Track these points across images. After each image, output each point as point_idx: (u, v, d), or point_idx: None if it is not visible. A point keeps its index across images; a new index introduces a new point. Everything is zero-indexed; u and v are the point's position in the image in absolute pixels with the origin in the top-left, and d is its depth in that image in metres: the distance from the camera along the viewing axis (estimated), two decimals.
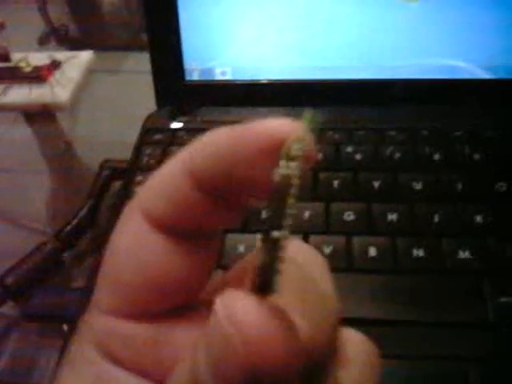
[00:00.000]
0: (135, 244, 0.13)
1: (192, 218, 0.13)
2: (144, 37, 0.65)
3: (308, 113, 0.12)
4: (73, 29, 0.68)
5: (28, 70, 0.45)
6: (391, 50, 0.43)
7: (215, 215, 0.13)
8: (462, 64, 0.43)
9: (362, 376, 0.13)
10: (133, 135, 0.44)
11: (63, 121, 0.51)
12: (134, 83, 0.58)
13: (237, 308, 0.10)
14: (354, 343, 0.14)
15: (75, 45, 0.67)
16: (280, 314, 0.11)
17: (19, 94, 0.44)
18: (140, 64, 0.59)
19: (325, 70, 0.44)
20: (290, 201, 0.11)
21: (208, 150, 0.13)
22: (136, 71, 0.61)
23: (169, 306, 0.14)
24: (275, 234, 0.11)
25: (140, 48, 0.64)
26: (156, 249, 0.13)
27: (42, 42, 0.70)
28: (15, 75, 0.45)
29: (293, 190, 0.11)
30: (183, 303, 0.14)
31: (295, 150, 0.11)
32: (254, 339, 0.10)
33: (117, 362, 0.13)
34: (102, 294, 0.14)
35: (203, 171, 0.13)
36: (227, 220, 0.14)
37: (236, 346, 0.10)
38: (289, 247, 0.11)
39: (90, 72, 0.50)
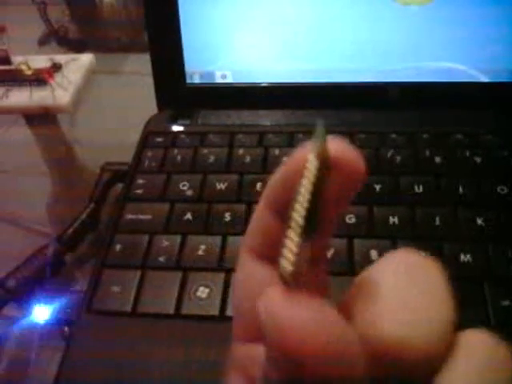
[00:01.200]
0: (244, 276, 0.16)
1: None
2: (144, 38, 0.65)
3: (319, 126, 0.13)
4: (73, 30, 0.69)
5: (29, 72, 0.45)
6: (390, 53, 0.43)
7: None
8: (461, 67, 0.43)
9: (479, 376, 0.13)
10: (133, 138, 0.44)
11: (64, 123, 0.51)
12: (134, 85, 0.58)
13: (268, 299, 0.12)
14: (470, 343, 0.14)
15: (75, 46, 0.67)
16: (308, 302, 0.12)
17: (20, 97, 0.44)
18: (140, 66, 0.59)
19: (325, 73, 0.44)
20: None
21: (274, 180, 0.15)
22: (136, 73, 0.61)
23: None
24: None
25: (140, 50, 0.64)
26: (260, 276, 0.15)
27: (42, 44, 0.70)
28: (16, 78, 0.45)
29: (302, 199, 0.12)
30: None
31: (308, 167, 0.13)
32: (282, 326, 0.12)
33: None
34: (234, 325, 0.16)
35: (276, 199, 0.15)
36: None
37: (270, 332, 0.12)
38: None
39: (91, 74, 0.50)
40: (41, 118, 0.47)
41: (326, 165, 0.13)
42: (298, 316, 0.12)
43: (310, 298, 0.12)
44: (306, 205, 0.12)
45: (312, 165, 0.13)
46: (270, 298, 0.12)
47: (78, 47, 0.67)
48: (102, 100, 0.57)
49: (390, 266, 0.14)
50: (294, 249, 0.12)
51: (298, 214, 0.12)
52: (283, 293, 0.12)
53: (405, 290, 0.13)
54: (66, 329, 0.37)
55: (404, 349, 0.12)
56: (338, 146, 0.13)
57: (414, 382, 0.13)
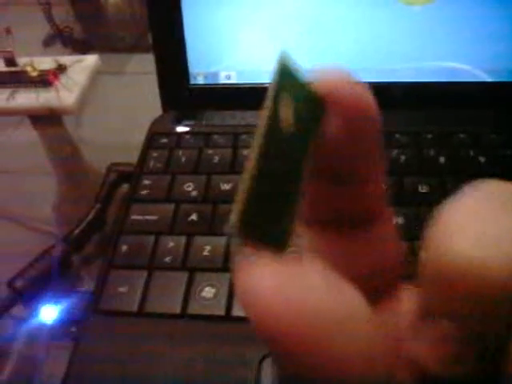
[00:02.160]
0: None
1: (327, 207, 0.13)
2: (148, 38, 0.65)
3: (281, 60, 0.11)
4: (77, 31, 0.69)
5: (34, 74, 0.45)
6: (393, 52, 0.43)
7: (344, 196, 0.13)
8: (464, 67, 0.43)
9: None
10: (139, 138, 0.45)
11: (69, 124, 0.51)
12: (139, 85, 0.58)
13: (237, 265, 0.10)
14: None
15: (80, 47, 0.67)
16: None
17: (26, 99, 0.44)
18: (145, 65, 0.59)
19: None
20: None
21: None
22: (141, 72, 0.61)
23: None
24: None
25: (145, 49, 0.64)
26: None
27: (47, 44, 0.70)
28: (21, 79, 0.45)
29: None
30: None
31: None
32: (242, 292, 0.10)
33: None
34: None
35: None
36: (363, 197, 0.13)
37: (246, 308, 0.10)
38: None
39: (95, 74, 0.51)
40: (46, 119, 0.47)
41: (311, 107, 0.11)
42: (261, 282, 0.10)
43: (293, 261, 0.10)
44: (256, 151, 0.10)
45: (266, 112, 0.11)
46: (238, 265, 0.10)
47: (82, 47, 0.67)
48: (107, 100, 0.57)
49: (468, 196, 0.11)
50: (241, 200, 0.10)
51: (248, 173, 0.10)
52: (255, 258, 0.10)
53: (485, 211, 0.10)
54: (74, 329, 0.37)
55: (486, 270, 0.09)
56: (327, 80, 0.11)
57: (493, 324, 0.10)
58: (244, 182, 0.10)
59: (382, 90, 0.43)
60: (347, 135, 0.12)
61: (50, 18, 0.68)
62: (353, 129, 0.12)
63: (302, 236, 0.13)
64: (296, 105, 0.11)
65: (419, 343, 0.11)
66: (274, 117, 0.11)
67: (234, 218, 0.10)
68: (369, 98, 0.12)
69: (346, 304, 0.10)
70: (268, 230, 0.11)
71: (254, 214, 0.10)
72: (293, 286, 0.10)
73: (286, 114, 0.11)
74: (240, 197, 0.10)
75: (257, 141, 0.10)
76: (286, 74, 0.11)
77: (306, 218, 0.13)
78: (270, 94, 0.11)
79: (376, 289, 0.13)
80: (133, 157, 0.43)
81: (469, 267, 0.09)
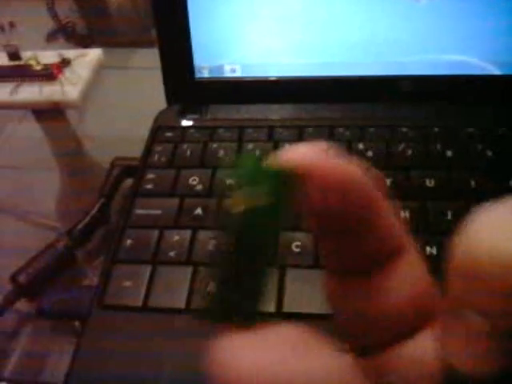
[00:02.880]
0: None
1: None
2: (152, 33, 0.65)
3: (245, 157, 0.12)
4: (80, 25, 0.68)
5: (38, 68, 0.45)
6: (401, 46, 0.42)
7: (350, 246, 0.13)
8: (472, 60, 0.42)
9: None
10: (142, 132, 0.44)
11: (72, 119, 0.51)
12: (142, 80, 0.58)
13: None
14: None
15: (83, 42, 0.67)
16: None
17: (30, 92, 0.44)
18: (148, 60, 0.59)
19: (335, 66, 0.43)
20: None
21: None
22: (144, 67, 0.61)
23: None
24: None
25: (148, 44, 0.64)
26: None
27: (50, 39, 0.70)
28: (25, 73, 0.45)
29: None
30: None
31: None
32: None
33: None
34: None
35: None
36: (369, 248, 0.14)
37: None
38: None
39: (99, 69, 0.50)
40: (49, 114, 0.47)
41: (275, 187, 0.12)
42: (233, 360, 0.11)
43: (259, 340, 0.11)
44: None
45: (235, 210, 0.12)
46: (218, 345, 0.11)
47: (85, 42, 0.67)
48: (110, 95, 0.57)
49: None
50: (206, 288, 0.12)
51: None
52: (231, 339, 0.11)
53: None
54: (77, 323, 0.37)
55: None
56: (292, 158, 0.12)
57: None
58: (209, 271, 0.12)
59: (388, 84, 0.43)
60: (334, 203, 0.12)
61: (53, 13, 0.68)
62: (336, 197, 0.12)
63: (329, 287, 0.14)
64: (257, 189, 0.12)
65: (449, 340, 0.11)
66: (232, 209, 0.12)
67: (201, 304, 0.12)
68: (345, 167, 0.12)
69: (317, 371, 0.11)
70: (235, 310, 0.12)
71: (220, 298, 0.12)
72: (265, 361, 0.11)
73: (246, 202, 0.12)
74: (205, 285, 0.12)
75: (217, 234, 0.12)
76: (243, 170, 0.12)
77: (329, 270, 0.14)
78: (224, 189, 0.12)
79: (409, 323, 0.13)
80: (136, 151, 0.43)
81: (503, 262, 0.09)
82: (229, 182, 0.12)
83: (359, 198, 0.12)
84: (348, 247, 0.13)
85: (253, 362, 0.11)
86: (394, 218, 0.13)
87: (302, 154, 0.12)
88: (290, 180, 0.12)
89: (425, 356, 0.12)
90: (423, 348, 0.12)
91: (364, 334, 0.13)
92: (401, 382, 0.12)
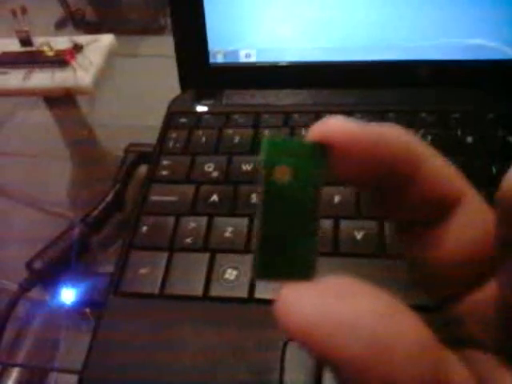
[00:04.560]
0: None
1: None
2: (161, 21, 0.64)
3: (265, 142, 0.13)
4: (90, 13, 0.68)
5: (51, 53, 0.44)
6: (419, 29, 0.42)
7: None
8: (493, 44, 0.41)
9: None
10: (154, 119, 0.44)
11: (85, 106, 0.51)
12: (153, 67, 0.58)
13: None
14: None
15: (92, 30, 0.67)
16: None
17: (42, 79, 0.44)
18: (158, 47, 0.58)
19: (351, 51, 0.43)
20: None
21: None
22: (154, 55, 0.60)
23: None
24: None
25: (158, 31, 0.63)
26: None
27: (59, 27, 0.69)
28: (37, 59, 0.45)
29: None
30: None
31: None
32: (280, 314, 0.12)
33: None
34: None
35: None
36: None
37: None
38: None
39: (111, 55, 0.50)
40: (61, 101, 0.46)
41: (307, 158, 0.13)
42: (296, 303, 0.11)
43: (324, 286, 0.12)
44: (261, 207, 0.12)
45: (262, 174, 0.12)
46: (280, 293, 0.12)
47: (94, 30, 0.66)
48: (121, 82, 0.57)
49: None
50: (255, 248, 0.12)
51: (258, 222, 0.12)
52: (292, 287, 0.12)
53: None
54: (88, 310, 0.37)
55: None
56: (321, 130, 0.13)
57: None
58: (256, 231, 0.13)
59: (407, 68, 0.42)
60: (372, 167, 0.13)
61: (62, 1, 0.67)
62: (368, 162, 0.13)
63: (401, 244, 0.15)
64: (292, 162, 0.13)
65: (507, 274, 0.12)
66: (271, 177, 0.13)
67: (252, 265, 0.12)
68: (368, 133, 0.13)
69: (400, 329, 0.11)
70: (289, 268, 0.13)
71: (270, 257, 0.12)
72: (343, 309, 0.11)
73: (282, 172, 0.13)
74: (255, 245, 0.12)
75: (259, 197, 0.13)
76: (274, 145, 0.13)
77: (396, 228, 0.15)
78: (264, 160, 0.13)
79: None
80: (149, 139, 0.42)
81: None
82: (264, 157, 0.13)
83: (403, 156, 0.13)
84: (404, 201, 0.14)
85: (317, 307, 0.11)
86: (448, 168, 0.14)
87: (333, 125, 0.13)
88: (318, 153, 0.13)
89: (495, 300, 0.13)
90: (493, 294, 0.13)
91: (437, 285, 0.14)
92: (479, 324, 0.13)
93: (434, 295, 0.15)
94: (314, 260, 0.13)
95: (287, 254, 0.13)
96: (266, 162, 0.12)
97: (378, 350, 0.10)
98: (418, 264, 0.15)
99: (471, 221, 0.14)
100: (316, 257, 0.13)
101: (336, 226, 0.34)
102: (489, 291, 0.13)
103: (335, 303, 0.11)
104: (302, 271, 0.13)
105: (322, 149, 0.13)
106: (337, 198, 0.35)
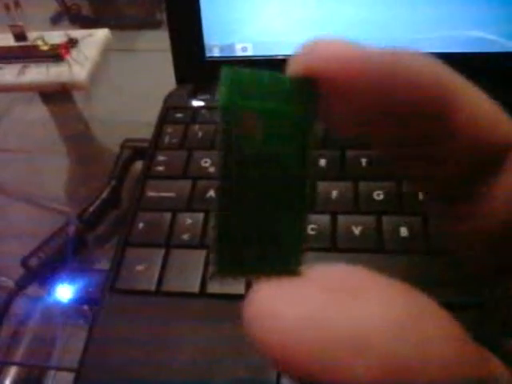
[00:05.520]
0: None
1: None
2: (157, 15, 0.64)
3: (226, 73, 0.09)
4: (85, 8, 0.67)
5: (45, 48, 0.44)
6: (416, 22, 0.41)
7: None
8: (491, 37, 0.41)
9: None
10: (150, 114, 0.43)
11: (80, 101, 0.50)
12: (149, 62, 0.57)
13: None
14: None
15: (88, 24, 0.66)
16: None
17: (37, 74, 0.43)
18: (154, 42, 0.58)
19: None
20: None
21: None
22: (150, 50, 0.60)
23: None
24: None
25: (154, 26, 0.63)
26: None
27: (55, 22, 0.69)
28: (32, 54, 0.44)
29: None
30: None
31: None
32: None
33: None
34: None
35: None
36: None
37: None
38: None
39: (106, 50, 0.50)
40: (57, 96, 0.46)
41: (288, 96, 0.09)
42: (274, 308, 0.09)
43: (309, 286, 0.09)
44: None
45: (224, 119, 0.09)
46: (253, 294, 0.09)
47: (90, 25, 0.66)
48: (117, 77, 0.56)
49: None
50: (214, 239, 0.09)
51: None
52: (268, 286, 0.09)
53: None
54: (88, 307, 0.37)
55: None
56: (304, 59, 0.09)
57: None
58: (215, 212, 0.09)
59: None
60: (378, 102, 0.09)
61: None
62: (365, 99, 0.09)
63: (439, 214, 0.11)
64: (268, 107, 0.09)
65: None
66: (235, 132, 0.09)
67: (212, 257, 0.09)
68: (388, 54, 0.09)
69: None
70: (265, 259, 0.09)
71: (236, 246, 0.09)
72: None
73: (251, 124, 0.09)
74: (214, 231, 0.09)
75: (219, 164, 0.09)
76: (239, 81, 0.09)
77: (431, 198, 0.11)
78: (221, 114, 0.09)
79: None
80: (145, 134, 0.42)
81: None
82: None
83: (433, 91, 0.09)
84: (434, 157, 0.10)
85: (295, 315, 0.08)
86: (492, 108, 0.10)
87: (326, 50, 0.09)
88: (315, 89, 0.09)
89: None
90: None
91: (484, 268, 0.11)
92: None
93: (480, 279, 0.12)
94: (299, 248, 0.09)
95: (262, 241, 0.09)
96: (226, 108, 0.09)
97: (401, 368, 0.08)
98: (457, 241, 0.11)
99: None
100: (303, 244, 0.09)
101: (333, 222, 0.34)
102: None
103: (332, 308, 0.08)
104: (284, 263, 0.09)
105: (311, 86, 0.09)
106: (334, 193, 0.35)
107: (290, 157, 0.09)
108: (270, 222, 0.09)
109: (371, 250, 0.32)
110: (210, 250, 0.08)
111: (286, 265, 0.09)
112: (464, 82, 0.10)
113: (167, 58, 0.44)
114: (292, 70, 0.09)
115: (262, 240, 0.09)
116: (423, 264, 0.31)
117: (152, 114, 0.43)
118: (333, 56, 0.09)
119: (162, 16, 0.64)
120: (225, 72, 0.09)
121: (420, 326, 0.08)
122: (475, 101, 0.10)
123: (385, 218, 0.33)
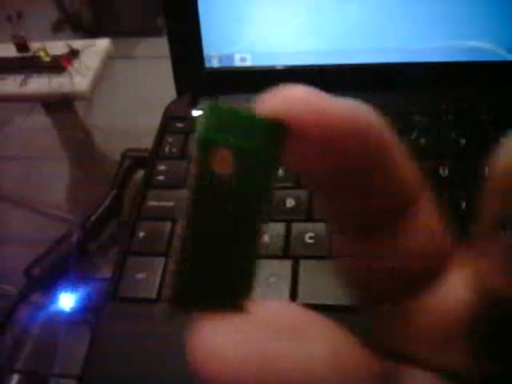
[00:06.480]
0: None
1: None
2: (158, 22, 0.64)
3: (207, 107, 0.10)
4: (86, 16, 0.68)
5: (47, 59, 0.44)
6: (414, 31, 0.42)
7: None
8: (487, 46, 0.41)
9: None
10: (152, 123, 0.44)
11: (82, 110, 0.51)
12: (149, 69, 0.58)
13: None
14: None
15: (89, 32, 0.67)
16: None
17: (39, 84, 0.44)
18: (155, 50, 0.58)
19: (347, 53, 0.43)
20: None
21: None
22: (151, 57, 0.60)
23: None
24: None
25: (155, 34, 0.63)
26: None
27: (56, 30, 0.69)
28: (34, 65, 0.45)
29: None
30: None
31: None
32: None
33: None
34: None
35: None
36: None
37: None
38: None
39: (107, 59, 0.50)
40: (58, 106, 0.47)
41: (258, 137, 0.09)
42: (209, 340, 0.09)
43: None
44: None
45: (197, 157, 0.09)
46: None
47: (92, 33, 0.66)
48: (118, 85, 0.57)
49: None
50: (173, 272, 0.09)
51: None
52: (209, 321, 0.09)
53: None
54: (91, 316, 0.37)
55: None
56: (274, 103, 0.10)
57: None
58: (180, 239, 0.09)
59: (401, 71, 0.42)
60: (336, 156, 0.10)
61: (59, 3, 0.67)
62: (337, 148, 0.10)
63: (337, 246, 0.12)
64: (240, 143, 0.09)
65: (484, 262, 0.10)
66: (205, 170, 0.09)
67: (167, 294, 0.09)
68: (343, 107, 0.10)
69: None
70: (215, 294, 0.10)
71: (192, 280, 0.09)
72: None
73: (224, 157, 0.09)
74: (173, 269, 0.09)
75: (189, 192, 0.09)
76: (219, 116, 0.09)
77: (336, 228, 0.12)
78: (198, 146, 0.09)
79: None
80: (146, 143, 0.43)
81: None
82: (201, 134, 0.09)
83: (372, 146, 0.10)
84: (355, 203, 0.11)
85: (237, 351, 0.09)
86: (408, 164, 0.11)
87: (285, 99, 0.10)
88: (283, 129, 0.10)
89: (448, 299, 0.11)
90: (445, 293, 0.11)
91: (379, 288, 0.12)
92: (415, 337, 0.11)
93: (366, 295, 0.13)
94: (250, 283, 0.10)
95: (215, 274, 0.10)
96: (203, 140, 0.09)
97: None
98: (356, 272, 0.12)
99: (423, 227, 0.12)
100: (254, 278, 0.10)
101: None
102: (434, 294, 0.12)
103: (274, 344, 0.09)
104: (232, 299, 0.10)
105: (279, 127, 0.09)
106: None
107: (254, 195, 0.10)
108: (225, 258, 0.10)
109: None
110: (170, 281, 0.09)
111: (233, 300, 0.10)
112: (394, 134, 0.11)
113: (168, 65, 0.45)
114: (264, 110, 0.10)
115: (215, 275, 0.10)
116: None
117: (153, 122, 0.44)
118: (302, 101, 0.10)
119: (163, 23, 0.65)
120: (206, 107, 0.09)
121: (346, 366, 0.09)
122: (401, 153, 0.11)
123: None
